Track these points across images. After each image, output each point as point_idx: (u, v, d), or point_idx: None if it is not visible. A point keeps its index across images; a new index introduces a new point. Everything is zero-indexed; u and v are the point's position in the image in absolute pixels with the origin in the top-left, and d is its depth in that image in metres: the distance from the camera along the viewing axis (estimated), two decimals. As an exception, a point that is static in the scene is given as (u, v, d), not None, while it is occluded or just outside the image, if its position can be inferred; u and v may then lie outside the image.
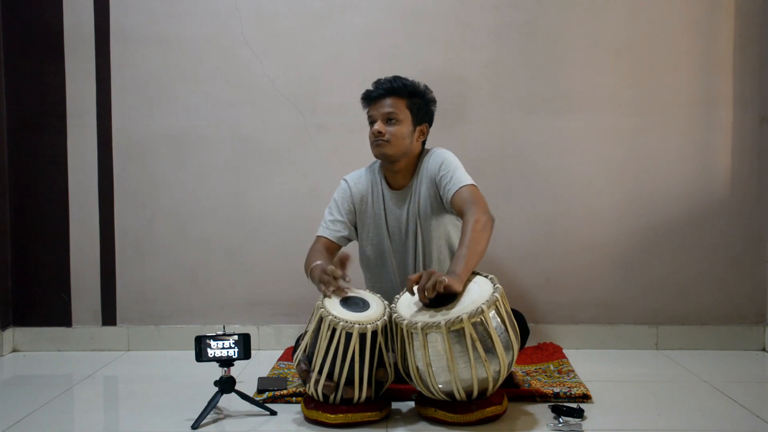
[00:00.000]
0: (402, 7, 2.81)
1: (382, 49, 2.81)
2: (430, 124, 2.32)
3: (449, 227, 2.28)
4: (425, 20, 2.81)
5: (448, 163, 2.22)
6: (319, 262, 2.14)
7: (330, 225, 2.31)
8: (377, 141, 2.21)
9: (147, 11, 2.84)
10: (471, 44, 2.80)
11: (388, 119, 2.21)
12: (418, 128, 2.26)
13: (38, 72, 2.87)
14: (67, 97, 2.86)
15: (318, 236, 2.31)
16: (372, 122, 2.24)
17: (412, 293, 1.93)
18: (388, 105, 2.22)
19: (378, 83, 2.26)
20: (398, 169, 2.27)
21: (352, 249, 2.39)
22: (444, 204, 2.22)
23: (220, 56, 2.84)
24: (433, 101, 2.31)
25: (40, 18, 2.86)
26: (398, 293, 2.04)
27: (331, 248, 2.28)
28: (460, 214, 2.12)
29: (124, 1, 2.84)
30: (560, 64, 2.80)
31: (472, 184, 2.16)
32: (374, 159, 2.32)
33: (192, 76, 2.85)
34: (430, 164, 2.25)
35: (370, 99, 2.26)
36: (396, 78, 2.25)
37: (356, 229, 2.35)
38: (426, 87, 2.29)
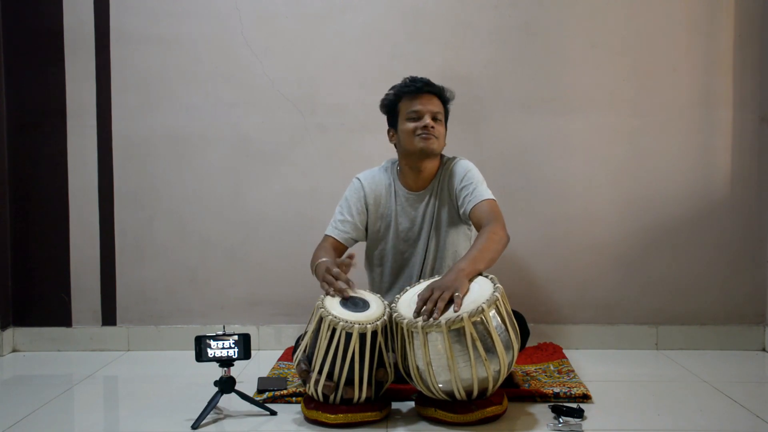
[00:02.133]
0: (402, 7, 2.81)
1: (382, 49, 2.81)
2: None
3: (461, 237, 2.31)
4: (425, 20, 2.80)
5: (472, 175, 2.25)
6: (324, 259, 2.15)
7: (339, 225, 2.30)
8: (426, 134, 2.20)
9: (147, 11, 2.84)
10: (471, 44, 2.80)
11: (434, 117, 2.23)
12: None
13: (38, 72, 2.87)
14: (67, 97, 2.86)
15: (326, 235, 2.30)
16: (417, 117, 2.22)
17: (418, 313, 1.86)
18: (436, 104, 2.25)
19: (426, 81, 2.26)
20: (424, 167, 2.27)
21: (358, 249, 2.39)
22: (460, 214, 2.25)
23: (220, 56, 2.84)
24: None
25: (40, 19, 2.86)
26: (399, 293, 2.04)
27: (338, 248, 2.28)
28: (477, 226, 2.15)
29: (124, 1, 2.84)
30: (560, 64, 2.80)
31: (493, 199, 2.19)
32: (380, 160, 2.32)
33: (192, 76, 2.85)
34: (453, 171, 2.27)
35: (417, 92, 2.24)
36: (433, 83, 2.28)
37: (366, 229, 2.34)
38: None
